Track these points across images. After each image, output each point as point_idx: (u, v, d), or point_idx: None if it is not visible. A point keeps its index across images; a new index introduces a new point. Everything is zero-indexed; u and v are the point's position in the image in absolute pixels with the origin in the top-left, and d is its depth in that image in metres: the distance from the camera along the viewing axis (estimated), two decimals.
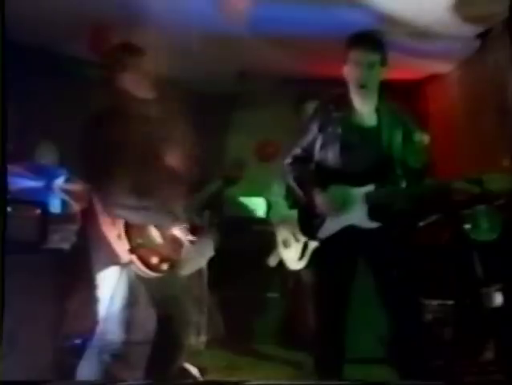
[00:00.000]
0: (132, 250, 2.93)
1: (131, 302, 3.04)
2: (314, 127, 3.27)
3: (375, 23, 4.67)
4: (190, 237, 3.11)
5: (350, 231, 3.16)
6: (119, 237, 2.93)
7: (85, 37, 4.53)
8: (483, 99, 5.02)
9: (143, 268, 2.96)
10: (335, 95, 3.31)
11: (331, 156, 3.23)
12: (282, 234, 4.31)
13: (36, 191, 4.25)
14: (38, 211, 3.75)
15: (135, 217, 2.96)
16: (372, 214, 3.12)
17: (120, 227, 2.94)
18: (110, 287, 3.02)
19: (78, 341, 3.84)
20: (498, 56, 4.76)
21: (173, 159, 3.20)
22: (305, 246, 4.14)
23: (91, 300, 3.14)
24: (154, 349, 3.17)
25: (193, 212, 3.27)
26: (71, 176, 4.41)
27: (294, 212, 4.19)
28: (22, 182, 4.08)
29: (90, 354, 3.03)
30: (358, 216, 3.14)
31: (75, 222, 4.12)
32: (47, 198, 4.28)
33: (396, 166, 3.14)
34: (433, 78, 5.79)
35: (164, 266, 3.04)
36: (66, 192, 4.35)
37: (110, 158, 2.94)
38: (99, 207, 3.04)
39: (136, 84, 3.10)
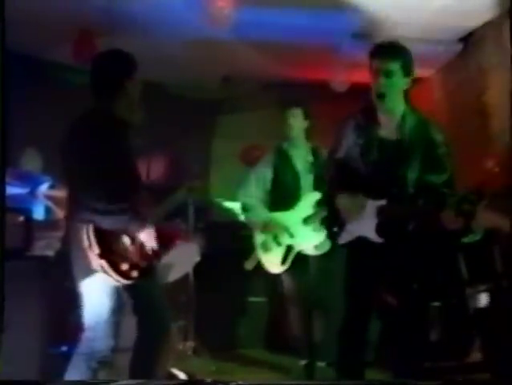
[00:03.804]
0: (101, 255, 2.87)
1: (116, 309, 3.01)
2: (346, 135, 3.28)
3: (359, 27, 4.72)
4: (155, 245, 3.00)
5: (361, 242, 3.16)
6: (89, 241, 2.87)
7: (69, 43, 4.52)
8: (466, 103, 5.07)
9: (113, 274, 2.89)
10: (365, 105, 3.26)
11: (352, 165, 3.22)
12: (260, 237, 4.28)
13: (20, 198, 4.22)
14: (23, 218, 3.73)
15: (105, 222, 2.89)
16: (380, 229, 3.11)
17: (90, 231, 2.87)
18: (95, 294, 2.98)
19: (64, 347, 3.83)
20: (480, 59, 4.81)
21: (147, 165, 3.17)
22: (288, 250, 4.15)
23: (76, 307, 3.10)
24: (137, 354, 3.15)
25: (160, 218, 3.22)
26: (55, 182, 4.39)
27: (276, 216, 4.24)
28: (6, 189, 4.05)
29: (77, 360, 3.01)
30: (368, 228, 3.12)
31: (59, 229, 4.10)
32: (32, 205, 4.25)
33: (408, 184, 3.09)
34: (415, 81, 5.82)
35: (135, 273, 2.95)
36: (50, 198, 4.32)
37: (84, 162, 2.90)
38: (73, 212, 2.99)
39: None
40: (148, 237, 2.99)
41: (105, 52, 3.13)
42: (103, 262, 2.86)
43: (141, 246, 3.01)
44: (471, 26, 4.82)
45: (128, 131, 3.10)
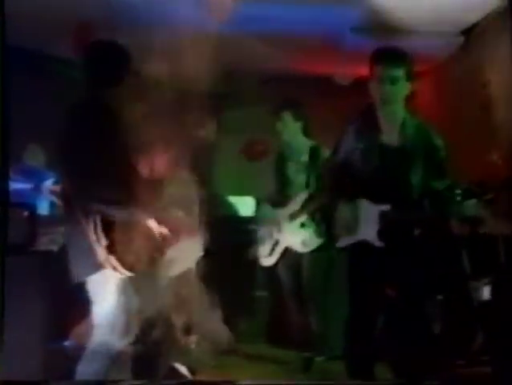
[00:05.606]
0: (109, 248, 2.85)
1: (124, 305, 3.01)
2: (345, 140, 3.28)
3: (360, 21, 4.71)
4: (160, 237, 3.03)
5: (362, 245, 3.16)
6: (95, 233, 2.84)
7: (70, 37, 4.52)
8: (468, 96, 5.05)
9: (119, 266, 2.89)
10: (364, 110, 3.27)
11: (353, 170, 3.23)
12: (262, 232, 4.41)
13: (24, 193, 4.24)
14: (27, 213, 3.74)
15: (112, 212, 2.86)
16: (382, 234, 3.10)
17: (97, 222, 2.85)
18: (101, 290, 2.98)
19: (67, 343, 3.85)
20: (483, 52, 4.79)
21: (149, 159, 3.17)
22: (275, 244, 4.28)
23: (84, 303, 3.11)
24: (140, 349, 3.18)
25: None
26: (59, 177, 4.40)
27: (276, 211, 4.31)
28: (10, 184, 4.06)
29: (89, 357, 2.99)
30: (370, 232, 3.12)
31: (63, 224, 4.11)
32: (36, 200, 4.27)
33: (413, 190, 3.11)
34: (417, 75, 5.81)
35: (139, 266, 2.95)
36: (54, 193, 4.33)
37: (87, 152, 2.87)
38: (77, 205, 2.96)
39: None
40: (154, 229, 3.01)
41: (101, 41, 3.18)
42: (110, 255, 2.85)
43: (147, 238, 3.00)
44: (473, 19, 4.80)
45: (125, 122, 3.06)
